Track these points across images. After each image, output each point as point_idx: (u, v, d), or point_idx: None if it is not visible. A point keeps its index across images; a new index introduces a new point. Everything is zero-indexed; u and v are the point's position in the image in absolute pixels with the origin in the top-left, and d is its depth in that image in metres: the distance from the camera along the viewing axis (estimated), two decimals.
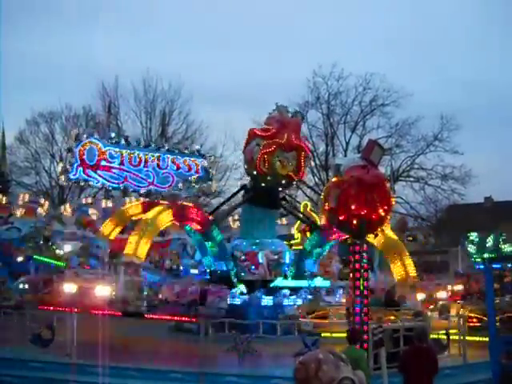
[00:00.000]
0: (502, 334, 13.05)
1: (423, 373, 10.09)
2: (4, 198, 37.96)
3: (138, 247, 21.98)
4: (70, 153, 39.57)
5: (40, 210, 36.83)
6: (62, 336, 16.58)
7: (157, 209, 24.06)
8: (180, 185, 40.93)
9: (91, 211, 36.46)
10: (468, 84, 78.83)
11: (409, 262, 25.77)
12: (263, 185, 24.85)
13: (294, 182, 28.33)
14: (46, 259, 30.34)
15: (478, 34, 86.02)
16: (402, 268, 25.44)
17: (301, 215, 30.45)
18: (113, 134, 41.36)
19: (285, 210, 30.68)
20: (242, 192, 28.07)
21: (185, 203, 26.55)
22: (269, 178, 24.54)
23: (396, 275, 25.64)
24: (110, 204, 38.53)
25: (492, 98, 79.53)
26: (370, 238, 16.23)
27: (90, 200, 40.74)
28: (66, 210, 37.01)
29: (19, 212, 35.47)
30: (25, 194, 40.46)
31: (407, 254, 26.16)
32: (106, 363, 15.88)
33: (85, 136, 39.39)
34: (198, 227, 24.56)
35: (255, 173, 24.79)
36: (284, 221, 39.28)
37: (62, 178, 40.13)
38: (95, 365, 15.69)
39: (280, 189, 26.26)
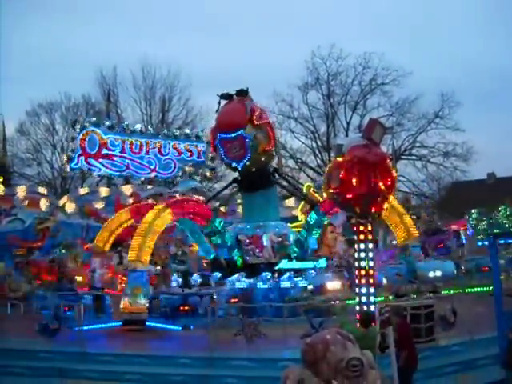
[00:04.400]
0: None
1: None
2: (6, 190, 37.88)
3: (141, 252, 21.31)
4: (73, 142, 39.56)
5: (43, 201, 36.73)
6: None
7: (155, 211, 23.50)
8: (179, 173, 40.91)
9: (99, 196, 36.68)
10: (468, 60, 78.42)
11: (409, 221, 24.53)
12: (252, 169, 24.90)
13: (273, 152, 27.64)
14: None
15: (477, 9, 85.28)
16: (404, 229, 24.19)
17: (298, 193, 30.49)
18: (107, 123, 41.03)
19: (283, 188, 30.68)
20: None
21: (183, 197, 25.94)
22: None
23: (399, 238, 24.53)
24: (104, 193, 38.49)
25: (493, 73, 79.06)
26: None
27: (86, 190, 40.64)
28: (67, 201, 36.92)
29: (23, 204, 35.42)
30: (24, 186, 40.26)
31: (407, 214, 25.22)
32: (115, 351, 15.99)
33: (86, 124, 39.39)
34: (200, 220, 24.38)
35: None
36: (291, 202, 38.99)
37: (68, 168, 40.09)
38: (104, 353, 15.80)
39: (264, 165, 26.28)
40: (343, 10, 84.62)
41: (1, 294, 24.98)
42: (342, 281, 22.34)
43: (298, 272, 23.26)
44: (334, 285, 21.85)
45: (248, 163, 24.26)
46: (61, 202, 37.67)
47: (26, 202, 35.54)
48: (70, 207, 35.61)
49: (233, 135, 23.81)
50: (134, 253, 20.96)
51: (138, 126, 42.11)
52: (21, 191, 37.81)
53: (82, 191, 40.19)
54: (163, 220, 22.35)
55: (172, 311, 20.85)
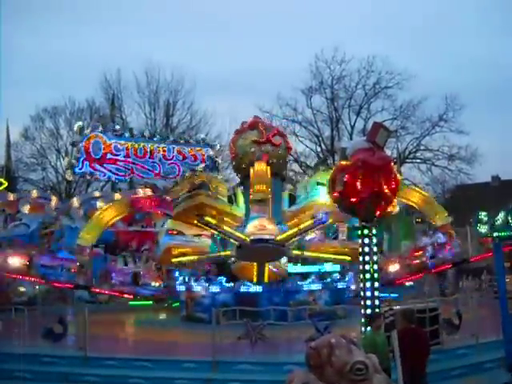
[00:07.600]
0: None
1: (413, 354, 9.59)
2: (12, 195, 37.82)
3: None
4: (75, 147, 39.64)
5: (49, 206, 36.60)
6: (75, 330, 16.64)
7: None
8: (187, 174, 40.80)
9: (99, 204, 36.46)
10: (472, 63, 78.30)
11: None
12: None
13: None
14: None
15: (481, 11, 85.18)
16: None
17: None
18: (117, 127, 41.28)
19: None
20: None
21: None
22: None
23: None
24: (119, 196, 38.36)
25: (496, 76, 78.97)
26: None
27: (97, 193, 40.51)
28: (74, 203, 36.76)
29: (27, 208, 35.31)
30: (33, 191, 40.15)
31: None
32: (119, 355, 15.96)
33: (89, 129, 39.41)
34: None
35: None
36: None
37: (68, 172, 40.12)
38: (108, 358, 15.76)
39: None
40: (347, 13, 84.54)
41: (5, 299, 24.96)
42: None
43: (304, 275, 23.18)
44: None
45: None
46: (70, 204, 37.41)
47: (29, 207, 35.43)
48: (78, 211, 35.39)
49: None
50: None
51: (146, 132, 42.38)
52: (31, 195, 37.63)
53: (96, 194, 39.78)
54: None
55: None
